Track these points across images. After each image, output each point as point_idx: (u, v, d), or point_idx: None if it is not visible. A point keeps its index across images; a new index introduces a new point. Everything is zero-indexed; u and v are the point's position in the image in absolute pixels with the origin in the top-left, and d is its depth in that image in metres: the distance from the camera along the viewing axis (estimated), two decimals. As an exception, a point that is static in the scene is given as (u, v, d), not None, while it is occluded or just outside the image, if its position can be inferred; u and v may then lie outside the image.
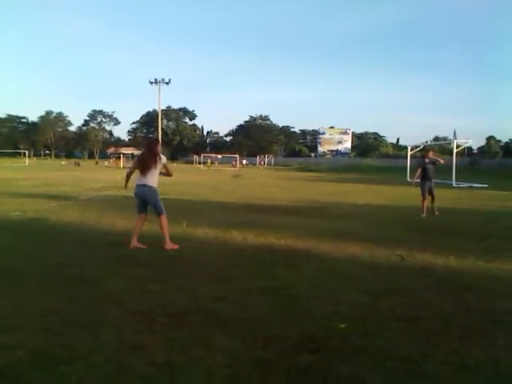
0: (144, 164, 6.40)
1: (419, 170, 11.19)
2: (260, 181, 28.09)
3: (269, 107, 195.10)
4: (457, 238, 7.63)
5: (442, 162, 11.74)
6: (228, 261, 5.71)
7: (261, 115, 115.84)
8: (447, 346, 3.10)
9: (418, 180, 11.34)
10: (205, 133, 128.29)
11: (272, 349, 3.01)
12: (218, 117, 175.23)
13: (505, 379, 2.75)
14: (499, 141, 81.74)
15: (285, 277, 4.96)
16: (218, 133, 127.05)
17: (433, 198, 10.99)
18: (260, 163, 78.98)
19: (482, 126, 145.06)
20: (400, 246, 6.70)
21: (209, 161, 69.28)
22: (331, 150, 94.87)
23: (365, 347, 3.07)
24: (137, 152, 67.21)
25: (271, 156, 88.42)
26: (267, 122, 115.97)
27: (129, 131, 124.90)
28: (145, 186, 6.31)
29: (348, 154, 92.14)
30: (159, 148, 6.63)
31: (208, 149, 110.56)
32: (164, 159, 6.54)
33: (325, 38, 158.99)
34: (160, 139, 30.16)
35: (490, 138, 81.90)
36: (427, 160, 11.18)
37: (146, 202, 6.43)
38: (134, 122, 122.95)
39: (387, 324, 3.53)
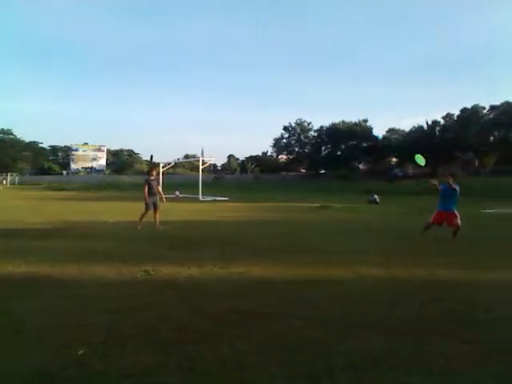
0: None
1: (146, 186, 11.66)
2: (2, 203, 24.30)
3: (11, 120, 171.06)
4: (197, 249, 8.30)
5: None
6: None
7: (2, 129, 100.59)
8: (181, 353, 3.32)
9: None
10: None
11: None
12: None
13: (233, 375, 3.04)
14: (237, 158, 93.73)
15: (20, 308, 4.44)
16: None
17: (156, 212, 11.62)
18: (1, 182, 68.64)
19: (225, 145, 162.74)
20: (147, 261, 6.84)
21: None
22: (85, 167, 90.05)
23: (101, 370, 3.02)
24: None
25: (15, 174, 77.77)
26: (10, 136, 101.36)
27: None
28: None
29: (103, 170, 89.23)
30: None
31: None
32: None
33: (75, 53, 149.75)
34: None
35: (230, 156, 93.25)
36: (152, 177, 11.81)
37: None
38: None
39: (127, 342, 3.56)
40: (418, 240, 9.66)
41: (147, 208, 11.57)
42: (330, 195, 29.41)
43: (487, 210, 18.03)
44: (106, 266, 6.56)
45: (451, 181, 9.52)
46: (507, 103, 54.96)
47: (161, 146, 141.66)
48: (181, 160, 76.81)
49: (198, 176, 29.78)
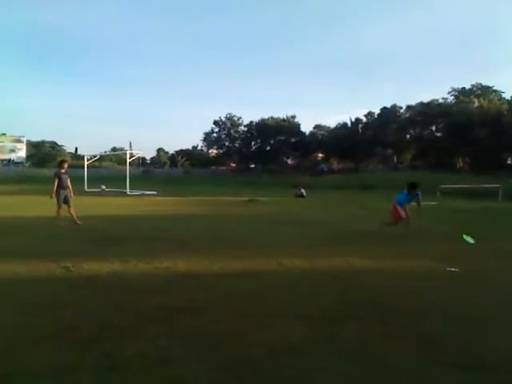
0: None
1: (56, 180, 11.15)
2: None
3: None
4: (122, 244, 8.08)
5: None
6: None
7: None
8: (99, 351, 3.24)
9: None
10: None
11: None
12: None
13: (153, 371, 3.02)
14: (167, 152, 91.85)
15: None
16: None
17: (69, 207, 11.19)
18: None
19: (154, 138, 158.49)
20: (66, 258, 6.54)
21: None
22: (3, 160, 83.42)
23: (9, 372, 2.88)
24: None
25: None
26: None
27: None
28: None
29: (22, 163, 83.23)
30: None
31: None
32: None
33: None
34: None
35: (160, 150, 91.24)
36: (62, 170, 11.33)
37: None
38: None
39: (40, 342, 3.41)
40: (339, 231, 10.15)
41: (58, 202, 11.00)
42: (259, 189, 29.85)
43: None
44: (20, 263, 6.18)
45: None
46: (421, 104, 59.01)
47: (87, 138, 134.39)
48: (107, 153, 73.74)
49: (126, 170, 28.89)
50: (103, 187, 30.81)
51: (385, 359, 3.20)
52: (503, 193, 21.62)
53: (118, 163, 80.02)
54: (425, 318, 4.20)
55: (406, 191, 9.76)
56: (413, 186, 9.73)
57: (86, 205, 11.54)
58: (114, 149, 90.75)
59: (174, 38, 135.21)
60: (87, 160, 35.61)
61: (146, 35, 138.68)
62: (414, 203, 9.90)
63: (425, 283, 5.53)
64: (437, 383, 2.87)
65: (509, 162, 54.14)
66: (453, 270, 6.21)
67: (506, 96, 56.05)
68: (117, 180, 34.61)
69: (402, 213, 9.71)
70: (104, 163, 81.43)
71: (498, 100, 54.68)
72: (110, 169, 70.49)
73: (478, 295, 5.04)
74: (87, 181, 31.53)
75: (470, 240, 8.26)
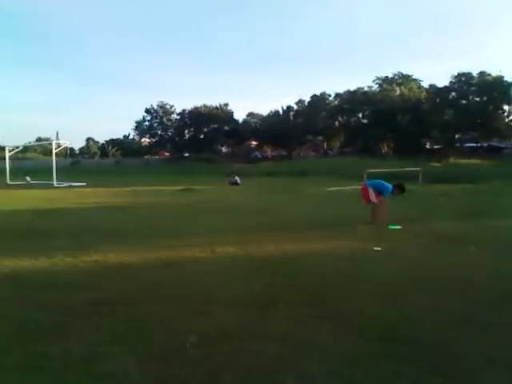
0: None
1: None
2: None
3: None
4: (47, 238, 7.66)
5: None
6: None
7: None
8: (21, 352, 3.08)
9: None
10: None
11: None
12: None
13: (79, 368, 2.91)
14: (97, 142, 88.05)
15: None
16: None
17: None
18: None
19: (83, 127, 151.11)
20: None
21: None
22: None
23: None
24: None
25: None
26: None
27: None
28: None
29: None
30: None
31: None
32: None
33: None
34: None
35: (89, 139, 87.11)
36: None
37: None
38: None
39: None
40: (272, 217, 10.35)
41: None
42: (193, 178, 29.54)
43: (331, 188, 20.02)
44: None
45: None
46: (349, 92, 61.23)
47: (8, 128, 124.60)
48: (32, 143, 69.21)
49: (52, 161, 27.35)
50: (28, 179, 29.07)
51: (315, 339, 3.32)
52: (423, 175, 23.10)
53: (44, 154, 75.57)
54: (352, 296, 4.41)
55: (392, 188, 9.49)
56: (400, 189, 9.57)
57: (8, 198, 10.81)
58: (39, 139, 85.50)
59: (102, 24, 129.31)
60: (9, 151, 33.30)
61: (74, 19, 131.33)
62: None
63: (352, 263, 5.81)
64: (365, 358, 3.03)
65: (427, 146, 57.95)
66: (378, 249, 6.58)
67: (424, 84, 59.73)
68: (43, 172, 32.75)
69: (373, 198, 9.39)
70: (29, 154, 76.57)
71: (418, 88, 58.07)
72: (36, 160, 66.45)
73: (399, 272, 5.37)
74: (9, 173, 29.55)
75: (397, 227, 8.72)
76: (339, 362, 2.95)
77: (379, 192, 9.47)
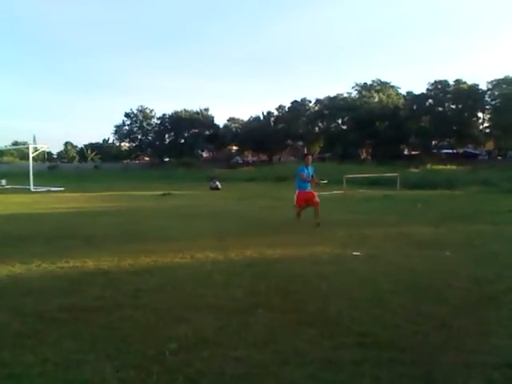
0: None
1: None
2: None
3: None
4: (23, 244, 7.50)
5: None
6: None
7: None
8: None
9: None
10: None
11: None
12: None
13: (55, 376, 2.85)
14: (76, 146, 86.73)
15: None
16: None
17: None
18: None
19: (61, 131, 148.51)
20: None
21: None
22: None
23: None
24: None
25: None
26: None
27: None
28: None
29: None
30: None
31: None
32: None
33: None
34: None
35: (67, 144, 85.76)
36: None
37: None
38: None
39: None
40: (252, 222, 10.35)
41: None
42: (173, 183, 29.38)
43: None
44: None
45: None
46: (329, 98, 61.93)
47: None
48: (8, 147, 67.74)
49: (29, 165, 26.81)
50: (3, 183, 28.42)
51: (295, 345, 3.32)
52: (400, 181, 23.48)
53: (21, 158, 73.97)
54: (332, 302, 4.41)
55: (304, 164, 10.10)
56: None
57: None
58: (15, 143, 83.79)
59: (79, 27, 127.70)
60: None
61: (50, 21, 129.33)
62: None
63: (332, 268, 5.84)
64: (345, 363, 3.04)
65: (405, 152, 58.97)
66: (357, 254, 6.64)
67: (402, 91, 60.87)
68: (19, 176, 32.08)
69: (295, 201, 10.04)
70: (5, 158, 74.95)
71: (396, 95, 59.16)
72: (12, 164, 65.05)
73: (378, 276, 5.43)
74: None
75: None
76: (320, 368, 2.95)
77: (306, 178, 9.96)
